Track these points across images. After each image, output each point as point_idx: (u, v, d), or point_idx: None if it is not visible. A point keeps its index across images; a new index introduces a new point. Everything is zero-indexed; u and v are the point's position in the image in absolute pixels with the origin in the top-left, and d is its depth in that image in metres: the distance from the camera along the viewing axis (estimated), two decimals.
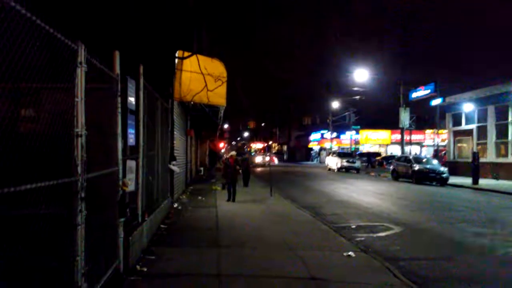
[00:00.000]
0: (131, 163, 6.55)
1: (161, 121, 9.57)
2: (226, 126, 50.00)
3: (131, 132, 6.82)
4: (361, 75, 38.98)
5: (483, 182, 21.73)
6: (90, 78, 4.16)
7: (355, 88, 42.98)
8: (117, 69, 5.45)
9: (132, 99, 6.83)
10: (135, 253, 6.07)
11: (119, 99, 5.43)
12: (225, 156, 33.71)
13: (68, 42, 3.75)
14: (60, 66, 3.87)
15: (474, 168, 21.92)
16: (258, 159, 47.46)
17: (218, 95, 14.93)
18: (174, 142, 12.86)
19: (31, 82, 3.38)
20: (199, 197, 14.80)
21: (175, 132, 13.12)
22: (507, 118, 25.04)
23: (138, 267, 5.89)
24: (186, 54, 13.58)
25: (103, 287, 4.42)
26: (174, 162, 11.91)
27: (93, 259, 4.02)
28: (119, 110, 5.42)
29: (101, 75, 4.80)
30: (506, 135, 25.19)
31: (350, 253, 7.12)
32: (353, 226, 10.15)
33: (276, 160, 52.50)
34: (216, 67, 14.80)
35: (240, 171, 15.20)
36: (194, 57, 13.34)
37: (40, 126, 4.41)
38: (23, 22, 2.95)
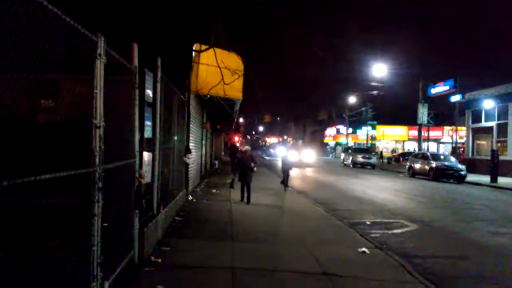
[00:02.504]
0: (147, 155, 6.62)
1: (178, 114, 9.62)
2: (241, 120, 49.94)
3: (148, 124, 6.87)
4: (379, 69, 38.51)
5: (502, 180, 21.32)
6: (108, 70, 4.20)
7: (373, 83, 42.50)
8: (135, 62, 5.49)
9: (149, 92, 6.87)
10: (150, 245, 6.14)
11: (136, 91, 5.48)
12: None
13: (88, 34, 3.78)
14: (80, 57, 3.93)
15: (493, 166, 21.52)
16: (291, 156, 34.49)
17: (234, 89, 14.92)
18: (190, 135, 12.92)
19: (51, 73, 3.43)
20: (214, 190, 14.87)
21: (191, 125, 13.18)
22: None
23: (152, 258, 5.95)
24: (203, 47, 13.59)
25: (118, 277, 4.48)
26: (189, 155, 11.98)
27: (109, 250, 4.08)
28: (137, 102, 5.46)
29: (120, 67, 4.84)
30: None
31: (364, 249, 7.08)
32: (368, 223, 10.08)
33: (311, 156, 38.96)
34: (233, 61, 14.78)
35: (255, 168, 12.46)
36: (211, 50, 13.35)
37: (60, 117, 4.48)
38: (44, 13, 2.97)
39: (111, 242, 4.19)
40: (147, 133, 6.84)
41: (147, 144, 6.62)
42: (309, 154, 35.81)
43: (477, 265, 6.83)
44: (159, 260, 5.92)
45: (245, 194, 11.94)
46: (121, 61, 4.82)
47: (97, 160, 3.88)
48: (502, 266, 6.85)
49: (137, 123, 5.47)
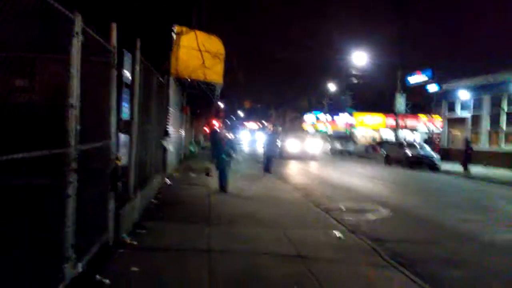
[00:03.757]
0: (124, 137, 6.56)
1: (157, 97, 9.52)
2: (221, 104, 49.64)
3: (125, 106, 6.81)
4: (359, 58, 38.77)
5: (474, 169, 21.93)
6: (86, 49, 4.13)
7: (353, 72, 42.81)
8: (114, 42, 5.39)
9: (127, 73, 6.79)
10: (125, 227, 6.12)
11: (114, 72, 5.39)
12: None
13: (65, 12, 3.70)
14: (56, 36, 3.84)
15: (466, 156, 22.10)
16: (293, 144, 26.72)
17: (215, 73, 14.82)
18: (169, 118, 12.82)
19: (26, 51, 3.35)
20: (192, 175, 14.85)
21: (170, 108, 13.06)
22: (501, 107, 25.17)
23: (128, 240, 5.94)
24: (184, 29, 13.42)
25: (92, 259, 4.47)
26: (167, 138, 11.91)
27: (83, 231, 4.06)
28: (114, 83, 5.38)
29: (98, 46, 4.75)
30: (500, 124, 25.35)
31: (338, 233, 7.24)
32: (343, 208, 10.27)
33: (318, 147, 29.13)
34: (214, 44, 14.66)
35: (234, 155, 11.63)
36: (192, 33, 13.21)
37: (35, 96, 4.40)
38: None
39: (85, 224, 4.17)
40: (125, 115, 6.77)
41: (125, 126, 6.55)
42: (314, 144, 27.39)
43: (447, 250, 7.07)
44: (135, 243, 5.92)
45: (223, 185, 11.19)
46: (99, 40, 4.73)
47: (72, 140, 3.83)
48: (471, 251, 7.11)
49: (114, 105, 5.40)
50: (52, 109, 4.03)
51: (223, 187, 11.14)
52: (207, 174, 11.93)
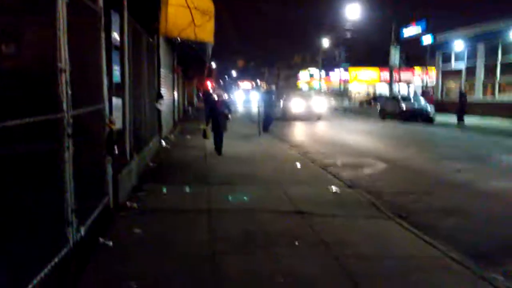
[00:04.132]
0: (117, 101, 6.46)
1: (147, 58, 9.33)
2: (214, 64, 48.89)
3: (116, 69, 6.66)
4: (353, 11, 37.92)
5: (468, 120, 22.05)
6: (71, 10, 3.97)
7: (347, 26, 42.00)
8: (100, 2, 5.19)
9: (116, 34, 6.59)
10: (124, 190, 6.15)
11: (103, 34, 5.22)
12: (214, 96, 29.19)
13: None
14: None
15: (461, 107, 22.16)
16: (297, 103, 24.63)
17: (205, 31, 14.42)
18: (161, 80, 12.62)
19: (9, 15, 3.22)
20: (188, 136, 14.83)
21: (161, 70, 12.83)
22: (496, 57, 24.95)
23: (128, 203, 5.99)
24: None
25: (93, 222, 4.50)
26: (161, 101, 11.77)
27: (83, 196, 4.06)
28: (103, 45, 5.23)
29: (84, 7, 4.57)
30: (494, 74, 25.23)
31: (336, 188, 7.33)
32: (339, 163, 10.36)
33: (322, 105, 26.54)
34: (203, 1, 14.19)
35: (230, 116, 11.35)
36: None
37: (23, 62, 4.27)
38: None
39: (84, 189, 4.17)
40: (116, 78, 6.64)
41: (117, 90, 6.44)
42: (319, 103, 25.36)
43: (442, 200, 7.20)
44: (135, 205, 5.97)
45: (218, 148, 11.01)
46: (85, 1, 4.54)
47: (64, 105, 3.75)
48: (465, 200, 7.24)
49: (104, 68, 5.27)
50: (42, 74, 3.93)
51: (218, 149, 10.94)
52: (204, 137, 11.34)
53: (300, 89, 60.01)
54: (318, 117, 24.07)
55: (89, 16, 4.86)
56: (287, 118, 23.37)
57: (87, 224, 4.22)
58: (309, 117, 23.63)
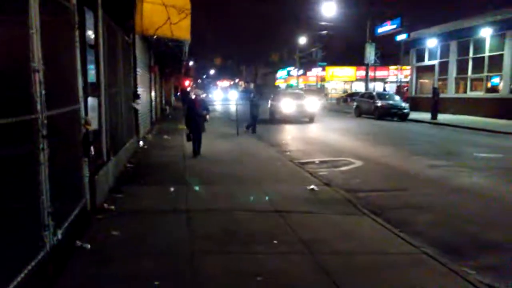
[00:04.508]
0: (93, 101, 6.38)
1: (123, 57, 9.21)
2: (191, 63, 48.51)
3: (91, 68, 6.56)
4: (328, 8, 38.25)
5: (442, 117, 22.59)
6: (44, 8, 3.90)
7: (323, 23, 42.35)
8: None
9: (90, 33, 6.49)
10: (102, 192, 6.08)
11: (77, 33, 5.14)
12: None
13: None
14: None
15: (434, 104, 22.68)
16: (288, 103, 22.05)
17: (182, 29, 14.36)
18: (137, 79, 12.48)
19: None
20: (165, 136, 14.73)
21: (138, 69, 12.69)
22: (468, 53, 25.61)
23: (105, 205, 5.93)
24: None
25: (70, 225, 4.45)
26: (138, 101, 11.65)
27: (59, 199, 4.00)
28: (77, 44, 5.15)
29: (57, 5, 4.49)
30: (466, 70, 25.90)
31: (313, 186, 7.43)
32: (317, 162, 10.48)
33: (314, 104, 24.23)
34: None
35: (208, 117, 11.08)
36: None
37: None
38: None
39: (61, 192, 4.11)
40: (91, 78, 6.54)
41: (92, 90, 6.35)
42: (311, 102, 23.28)
43: (415, 196, 7.38)
44: (112, 207, 5.92)
45: (196, 149, 10.67)
46: None
47: (38, 106, 3.69)
48: (439, 196, 7.45)
49: (79, 67, 5.19)
50: (15, 74, 3.85)
51: (196, 150, 10.64)
52: (189, 139, 10.76)
53: (289, 87, 59.73)
54: (311, 118, 22.07)
55: (62, 14, 4.78)
56: (276, 118, 21.94)
57: (64, 227, 4.17)
58: (301, 118, 21.94)
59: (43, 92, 3.78)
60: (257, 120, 17.04)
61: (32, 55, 3.68)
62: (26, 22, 3.68)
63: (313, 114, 22.21)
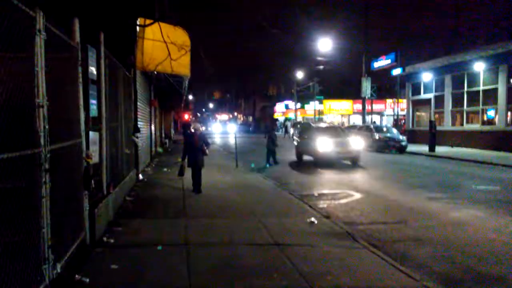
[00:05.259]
0: (94, 135, 6.46)
1: (124, 91, 9.39)
2: (190, 97, 49.12)
3: (93, 102, 6.68)
4: (325, 44, 39.17)
5: (439, 149, 22.73)
6: (49, 46, 4.04)
7: (320, 58, 43.23)
8: (77, 37, 5.30)
9: (93, 68, 6.65)
10: (101, 225, 6.07)
11: (80, 69, 5.31)
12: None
13: (26, 9, 3.61)
14: (17, 34, 3.73)
15: (431, 136, 22.90)
16: (327, 141, 17.37)
17: (182, 65, 14.67)
18: (138, 113, 12.65)
19: None
20: (165, 169, 14.75)
21: (138, 103, 12.88)
22: (463, 87, 26.02)
23: (105, 238, 5.91)
24: (148, 21, 13.18)
25: (70, 258, 4.44)
26: (138, 134, 11.76)
27: (59, 232, 4.02)
28: (80, 80, 5.30)
29: (61, 43, 4.65)
30: (461, 104, 26.25)
31: (312, 219, 7.41)
32: (316, 194, 10.49)
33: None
34: (179, 36, 14.47)
35: (207, 151, 10.64)
36: (156, 25, 12.95)
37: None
38: None
39: (61, 225, 4.13)
40: (93, 112, 6.65)
41: (93, 124, 6.45)
42: (355, 140, 18.33)
43: (414, 229, 7.36)
44: (112, 241, 5.89)
45: (196, 185, 10.24)
46: (62, 37, 4.64)
47: (42, 140, 3.77)
48: (437, 228, 7.43)
49: (81, 102, 5.31)
50: (20, 109, 3.94)
51: (197, 187, 10.17)
52: (181, 174, 10.54)
53: (288, 120, 59.52)
54: (356, 159, 17.65)
55: (66, 51, 4.94)
56: (317, 158, 17.47)
57: (64, 260, 4.16)
58: (344, 158, 17.99)
59: (47, 126, 3.86)
60: (273, 153, 17.53)
61: (37, 91, 3.79)
62: (31, 59, 3.81)
63: (358, 155, 17.66)
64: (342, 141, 17.89)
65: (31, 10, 3.73)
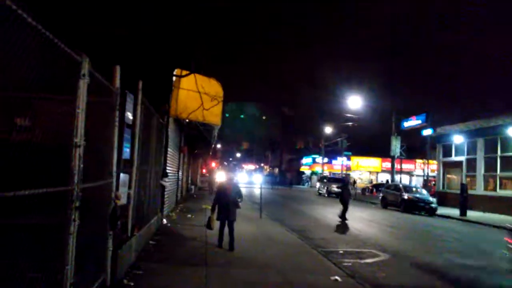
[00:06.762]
0: (124, 177, 6.61)
1: (156, 137, 9.65)
2: (219, 146, 49.86)
3: (126, 145, 6.91)
4: (354, 101, 39.52)
5: (471, 214, 21.87)
6: (91, 90, 4.26)
7: (348, 115, 43.50)
8: (117, 83, 5.56)
9: (129, 114, 6.94)
10: (122, 267, 6.06)
11: (117, 113, 5.53)
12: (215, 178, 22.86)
13: (73, 54, 3.86)
14: (63, 77, 3.97)
15: (463, 200, 22.11)
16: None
17: (213, 114, 15.08)
18: (167, 158, 12.91)
19: (31, 91, 3.46)
20: (189, 215, 14.75)
21: (168, 149, 13.19)
22: (496, 151, 25.37)
23: (125, 281, 5.87)
24: (184, 72, 13.77)
25: None
26: (165, 179, 11.94)
27: (82, 270, 4.03)
28: (117, 123, 5.51)
29: (102, 88, 4.90)
30: (495, 168, 25.48)
31: (337, 277, 7.16)
32: (341, 251, 10.18)
33: None
34: (213, 87, 15.00)
35: (240, 204, 9.56)
36: (191, 75, 13.53)
37: (38, 136, 4.49)
38: (29, 32, 2.98)
39: (84, 263, 4.15)
40: (125, 155, 6.86)
41: (125, 166, 6.62)
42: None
43: None
44: (132, 284, 5.84)
45: (227, 237, 9.15)
46: (104, 82, 4.89)
47: (75, 178, 3.89)
48: None
49: (116, 144, 5.50)
50: (55, 147, 4.11)
51: (230, 243, 9.03)
52: (208, 227, 9.53)
53: (315, 174, 59.37)
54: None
55: (106, 96, 5.19)
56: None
57: None
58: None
59: (82, 165, 3.99)
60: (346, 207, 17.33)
61: (76, 131, 3.96)
62: (72, 101, 4.01)
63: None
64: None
65: (78, 55, 3.98)
